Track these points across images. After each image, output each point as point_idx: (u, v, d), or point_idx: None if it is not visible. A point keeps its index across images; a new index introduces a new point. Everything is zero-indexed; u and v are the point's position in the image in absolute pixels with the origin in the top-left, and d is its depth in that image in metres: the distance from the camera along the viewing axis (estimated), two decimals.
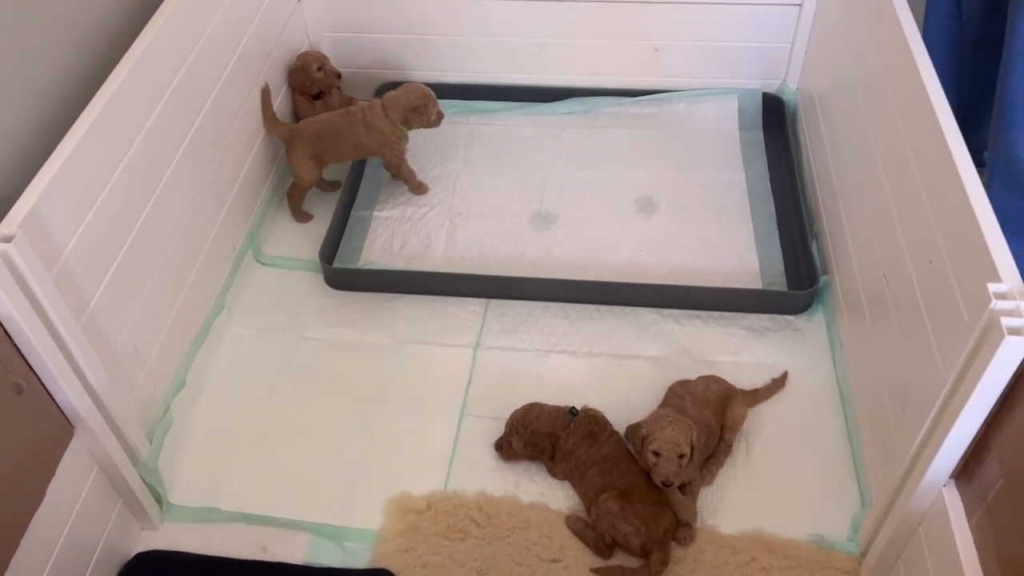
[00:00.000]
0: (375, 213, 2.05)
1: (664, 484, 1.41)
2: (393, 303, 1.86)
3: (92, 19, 1.56)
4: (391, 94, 1.99)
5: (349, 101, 2.20)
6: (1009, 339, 0.96)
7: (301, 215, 2.03)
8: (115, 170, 1.41)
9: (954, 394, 1.07)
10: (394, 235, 2.00)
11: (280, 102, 2.08)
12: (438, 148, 2.21)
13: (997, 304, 0.99)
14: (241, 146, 1.90)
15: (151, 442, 1.53)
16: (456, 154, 2.19)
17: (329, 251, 1.92)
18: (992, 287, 1.00)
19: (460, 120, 2.28)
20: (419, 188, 2.08)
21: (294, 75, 2.09)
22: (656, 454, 1.41)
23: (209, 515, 1.51)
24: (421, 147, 2.21)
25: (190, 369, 1.69)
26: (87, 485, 1.33)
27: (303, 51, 2.12)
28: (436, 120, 2.00)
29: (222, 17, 1.76)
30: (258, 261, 1.94)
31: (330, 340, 1.79)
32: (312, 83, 2.07)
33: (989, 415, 1.06)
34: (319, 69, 2.06)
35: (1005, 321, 0.96)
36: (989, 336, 0.99)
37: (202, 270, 1.74)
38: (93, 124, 1.33)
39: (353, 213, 2.05)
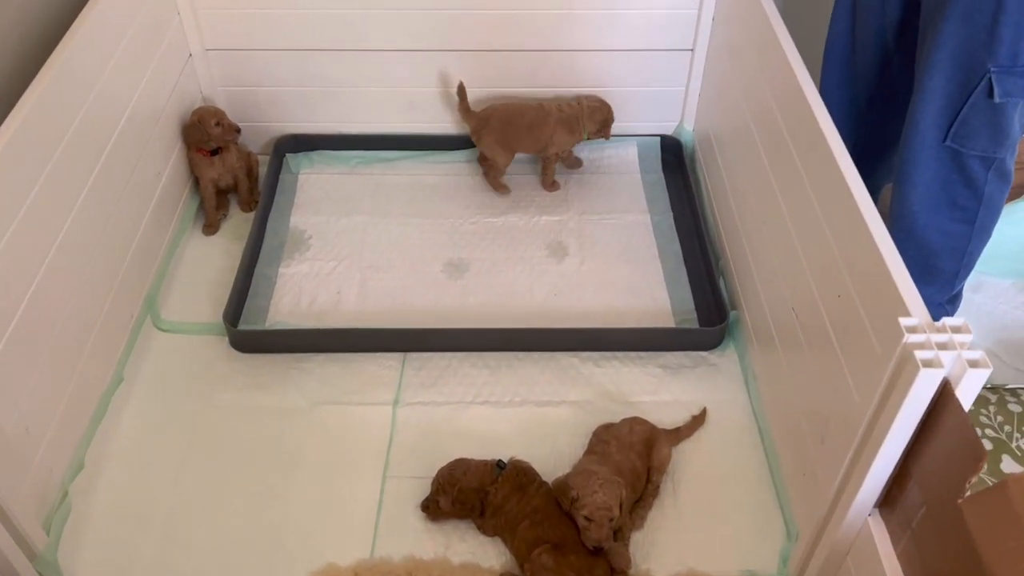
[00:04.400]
0: (281, 270, 1.99)
1: (595, 549, 1.40)
2: (305, 363, 1.79)
3: None
4: (591, 104, 2.10)
5: (248, 156, 2.14)
6: (924, 371, 0.99)
7: (502, 188, 2.18)
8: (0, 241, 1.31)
9: (873, 426, 1.11)
10: (302, 292, 1.94)
11: (175, 159, 2.00)
12: (344, 199, 2.17)
13: (909, 338, 1.02)
14: (134, 208, 1.81)
15: (48, 533, 1.41)
16: (363, 205, 2.16)
17: (233, 312, 1.84)
18: (903, 321, 1.04)
19: (365, 171, 2.25)
20: (552, 186, 2.19)
21: (189, 131, 2.02)
22: (588, 519, 1.40)
23: None
24: (326, 199, 2.17)
25: (89, 448, 1.58)
26: None
27: (198, 106, 2.05)
28: (608, 135, 2.17)
29: (108, 79, 1.68)
30: (157, 327, 1.84)
31: (239, 406, 1.71)
32: (209, 139, 2.00)
33: (908, 444, 1.10)
34: (217, 124, 1.99)
35: (919, 354, 1.00)
36: (904, 369, 1.02)
37: (98, 342, 1.63)
38: None
39: (257, 270, 1.98)
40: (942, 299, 1.74)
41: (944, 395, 1.02)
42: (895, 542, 1.17)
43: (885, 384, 1.07)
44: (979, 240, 1.63)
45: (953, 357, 1.00)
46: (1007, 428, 1.48)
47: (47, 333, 1.45)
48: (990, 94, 1.42)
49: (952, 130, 1.49)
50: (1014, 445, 1.45)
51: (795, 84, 1.50)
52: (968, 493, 0.98)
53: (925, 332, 1.03)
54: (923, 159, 1.54)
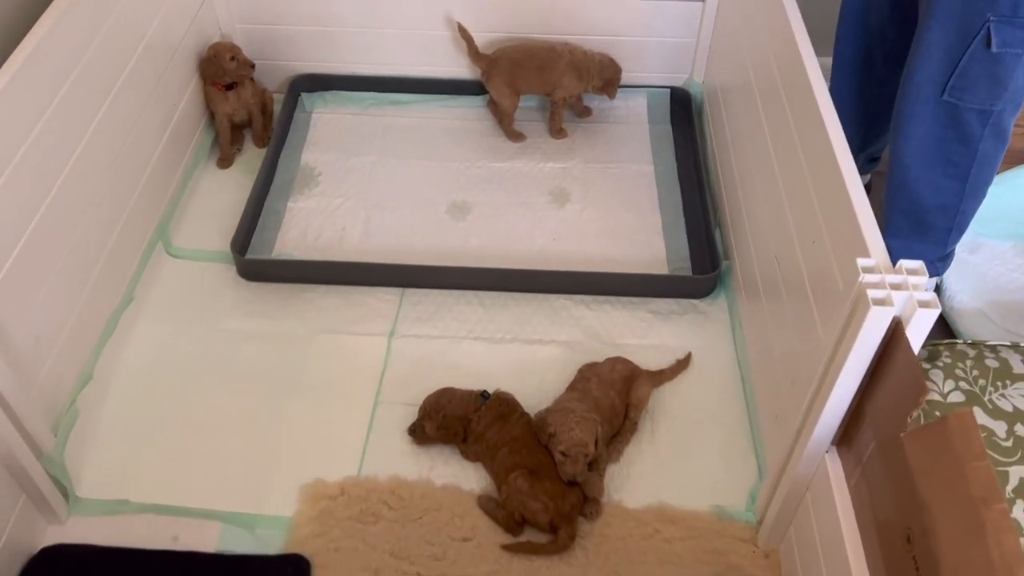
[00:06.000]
0: (289, 204, 2.05)
1: (570, 482, 1.46)
2: (307, 294, 1.86)
3: None
4: (603, 59, 2.14)
5: (263, 93, 2.20)
6: (875, 309, 1.03)
7: (515, 136, 2.21)
8: (14, 156, 1.38)
9: (831, 363, 1.14)
10: (308, 226, 2.00)
11: (191, 92, 2.07)
12: (355, 139, 2.22)
13: (865, 278, 1.06)
14: (149, 135, 1.88)
15: (56, 435, 1.50)
16: (372, 145, 2.21)
17: (242, 242, 1.91)
18: (860, 262, 1.07)
19: (376, 112, 2.30)
20: (560, 133, 2.22)
21: (205, 65, 2.07)
22: (564, 455, 1.45)
23: (118, 507, 1.49)
24: (337, 138, 2.22)
25: (98, 362, 1.67)
26: None
27: (215, 41, 2.10)
28: (613, 97, 2.19)
29: (126, 6, 1.74)
30: (169, 253, 1.92)
31: (243, 332, 1.78)
32: (224, 73, 2.05)
33: (862, 383, 1.13)
34: (232, 59, 2.05)
35: (871, 293, 1.03)
36: (859, 307, 1.06)
37: (109, 262, 1.72)
38: None
39: (267, 204, 2.04)
40: (933, 256, 1.75)
41: (895, 335, 1.05)
42: (848, 477, 1.21)
43: (843, 323, 1.11)
44: (972, 199, 1.63)
45: (905, 297, 1.03)
46: (981, 382, 1.50)
47: (59, 247, 1.54)
48: (988, 44, 1.42)
49: (950, 83, 1.49)
50: (986, 399, 1.48)
51: (791, 40, 1.51)
52: (910, 428, 1.02)
53: (880, 273, 1.06)
54: (919, 113, 1.55)
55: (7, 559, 1.37)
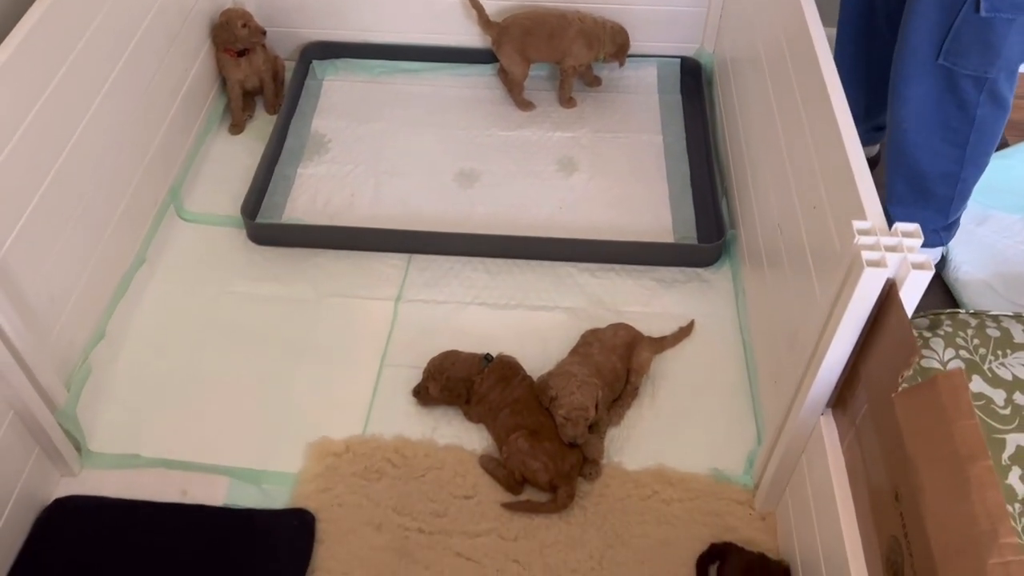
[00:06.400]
0: (299, 170, 2.07)
1: (570, 444, 1.48)
2: (316, 258, 1.89)
3: None
4: (616, 28, 2.15)
5: (274, 60, 2.21)
6: (868, 271, 1.03)
7: (525, 105, 2.22)
8: (26, 115, 1.41)
9: (827, 324, 1.16)
10: (318, 192, 2.03)
11: (203, 57, 2.09)
12: (365, 107, 2.23)
13: (860, 239, 1.07)
14: (162, 99, 1.90)
15: (68, 391, 1.54)
16: (383, 113, 2.22)
17: (252, 207, 1.93)
18: (856, 224, 1.08)
19: (387, 80, 2.31)
20: (569, 103, 2.22)
21: (217, 31, 2.09)
22: (565, 418, 1.48)
23: (129, 461, 1.53)
24: (348, 106, 2.23)
25: (110, 321, 1.71)
26: (1, 432, 1.34)
27: (227, 7, 2.12)
28: (623, 63, 2.20)
29: None
30: (180, 217, 1.95)
31: (253, 294, 1.82)
32: (236, 39, 2.07)
33: (857, 346, 1.15)
34: (243, 26, 2.06)
35: (865, 255, 1.04)
36: (853, 269, 1.07)
37: (122, 223, 1.75)
38: (2, 67, 1.33)
39: (277, 170, 2.06)
40: (937, 226, 1.75)
41: (889, 296, 1.06)
42: (842, 439, 1.23)
43: (839, 284, 1.12)
44: (973, 167, 1.63)
45: (899, 259, 1.04)
46: (981, 351, 1.50)
47: (72, 207, 1.57)
48: (977, 8, 1.41)
49: (944, 47, 1.48)
50: (986, 367, 1.48)
51: (799, 8, 1.51)
52: (901, 388, 1.04)
53: (875, 235, 1.07)
54: (915, 75, 1.54)
55: (22, 509, 1.41)
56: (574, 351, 1.65)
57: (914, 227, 1.07)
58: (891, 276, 1.05)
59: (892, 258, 1.04)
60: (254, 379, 1.67)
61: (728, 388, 1.67)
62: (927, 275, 1.03)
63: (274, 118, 2.17)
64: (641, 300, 1.81)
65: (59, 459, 1.48)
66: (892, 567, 1.02)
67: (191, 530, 1.44)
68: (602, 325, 1.72)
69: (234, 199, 1.97)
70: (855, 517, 1.16)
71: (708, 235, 1.92)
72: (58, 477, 1.51)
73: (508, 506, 1.47)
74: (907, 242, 1.05)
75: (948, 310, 1.61)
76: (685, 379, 1.68)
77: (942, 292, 1.87)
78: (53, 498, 1.48)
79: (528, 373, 1.62)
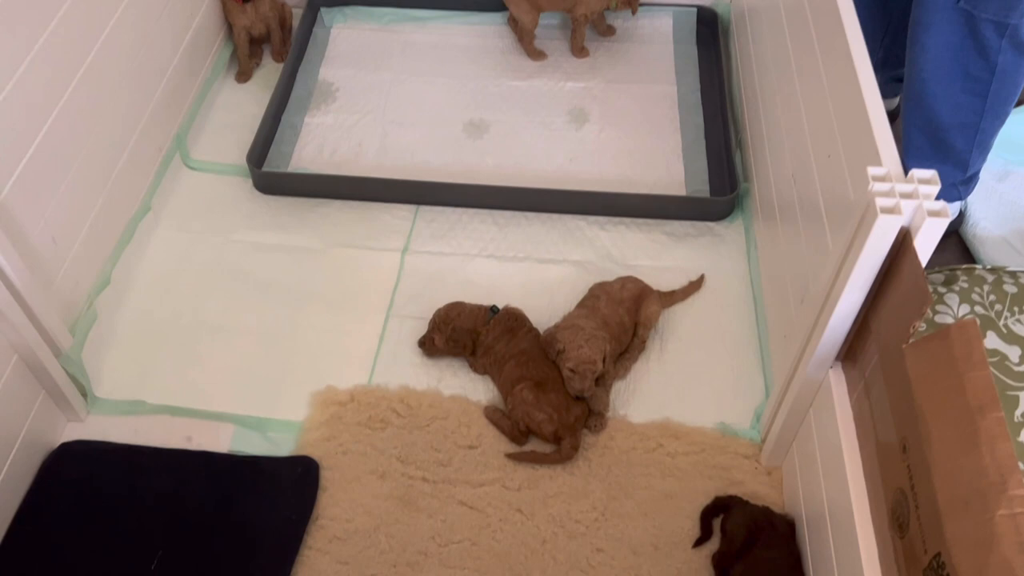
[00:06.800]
0: (306, 119, 2.04)
1: (577, 397, 1.47)
2: (322, 208, 1.87)
3: None
4: None
5: (281, 7, 2.17)
6: (882, 218, 1.00)
7: (536, 54, 2.17)
8: (27, 55, 1.39)
9: (839, 274, 1.13)
10: (325, 141, 2.00)
11: (208, 4, 2.05)
12: (374, 55, 2.19)
13: (875, 186, 1.03)
14: (166, 45, 1.87)
15: (73, 336, 1.54)
16: (391, 62, 2.18)
17: (258, 156, 1.91)
18: (871, 171, 1.05)
19: (396, 28, 2.26)
20: (581, 52, 2.18)
21: None
22: (572, 371, 1.46)
23: (135, 408, 1.54)
24: (356, 54, 2.20)
25: (115, 268, 1.70)
26: (6, 373, 1.34)
27: None
28: (635, 11, 2.15)
29: None
30: (186, 165, 1.93)
31: (259, 243, 1.80)
32: None
33: (868, 297, 1.12)
34: None
35: (880, 201, 1.01)
36: (867, 216, 1.04)
37: (126, 170, 1.73)
38: (3, 6, 1.31)
39: (284, 119, 2.04)
40: (955, 180, 1.70)
41: (903, 245, 1.03)
42: (851, 392, 1.21)
43: (852, 233, 1.09)
44: (993, 118, 1.58)
45: (914, 206, 1.01)
46: (997, 307, 1.47)
47: (75, 150, 1.55)
48: None
49: None
50: (1001, 323, 1.45)
51: None
52: (913, 339, 1.01)
53: (891, 181, 1.03)
54: (935, 22, 1.49)
55: (28, 452, 1.42)
56: (581, 304, 1.63)
57: (931, 174, 1.04)
58: (906, 224, 1.02)
59: (907, 205, 1.01)
60: (259, 328, 1.66)
61: (736, 343, 1.64)
62: (943, 223, 1.00)
63: (281, 66, 2.13)
64: (651, 254, 1.79)
65: (65, 404, 1.48)
66: (898, 520, 1.01)
67: (196, 475, 1.45)
68: (610, 279, 1.69)
69: (240, 148, 1.95)
70: (862, 471, 1.15)
71: (721, 188, 1.89)
72: (64, 422, 1.51)
73: (512, 456, 1.46)
74: (923, 189, 1.02)
75: (964, 266, 1.58)
76: (693, 333, 1.66)
77: (959, 249, 1.83)
78: (59, 443, 1.48)
79: (534, 325, 1.61)
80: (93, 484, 1.43)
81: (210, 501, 1.42)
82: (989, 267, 1.55)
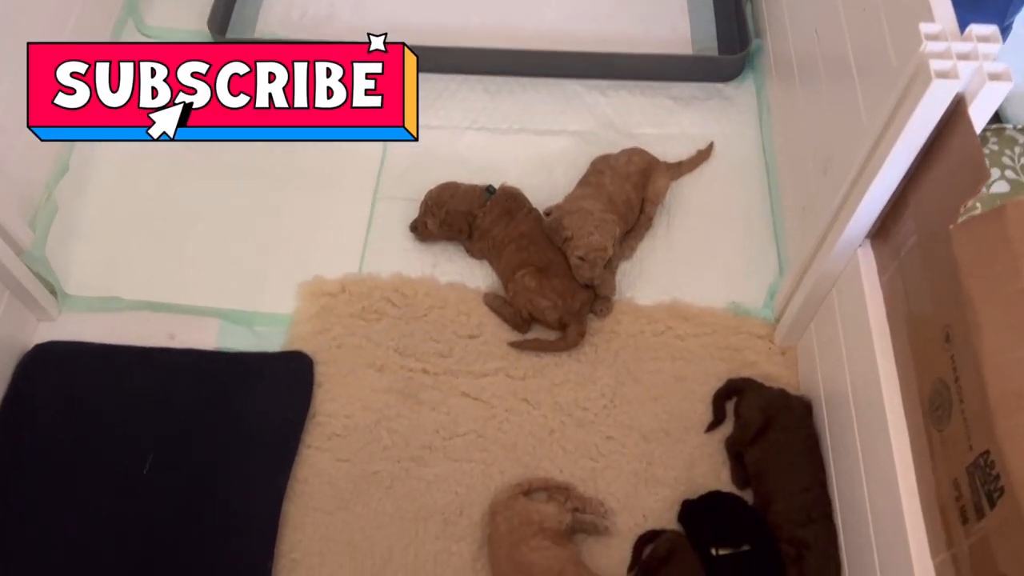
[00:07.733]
0: None
1: (586, 285, 1.38)
2: None
3: None
4: None
5: None
6: (937, 82, 0.89)
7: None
8: None
9: (877, 148, 1.02)
10: (293, 3, 1.81)
11: None
12: None
13: (928, 46, 0.91)
14: None
15: (35, 231, 1.42)
16: None
17: (220, 20, 1.74)
18: (924, 28, 0.92)
19: None
20: None
21: None
22: (581, 259, 1.36)
23: (110, 304, 1.44)
24: None
25: (72, 153, 1.56)
26: None
27: None
28: None
29: None
30: (140, 32, 1.75)
31: None
32: None
33: (909, 170, 1.02)
34: None
35: (934, 64, 0.89)
36: (916, 81, 0.92)
37: (73, 40, 1.55)
38: None
39: None
40: None
41: (957, 113, 0.92)
42: (881, 272, 1.13)
43: (895, 100, 0.97)
44: None
45: (973, 69, 0.89)
46: None
47: (12, 18, 1.37)
48: None
49: None
50: None
51: None
52: (962, 218, 0.92)
53: (947, 40, 0.91)
54: None
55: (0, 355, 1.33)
56: (584, 181, 1.52)
57: (991, 29, 0.92)
58: (961, 90, 0.91)
59: (965, 68, 0.89)
60: (236, 214, 1.55)
61: (748, 216, 1.55)
62: (1004, 87, 0.89)
63: None
64: (655, 120, 1.66)
65: (33, 303, 1.38)
66: (936, 411, 0.95)
67: (182, 374, 1.37)
68: (613, 150, 1.57)
69: (199, 11, 1.75)
70: (892, 355, 1.08)
71: (731, 46, 1.74)
72: (35, 323, 1.42)
73: (515, 345, 1.40)
74: (983, 48, 0.90)
75: (994, 126, 1.47)
76: (701, 207, 1.56)
77: None
78: (32, 344, 1.39)
79: (534, 206, 1.50)
80: (74, 387, 1.36)
81: (200, 402, 1.35)
82: (1020, 126, 1.45)
